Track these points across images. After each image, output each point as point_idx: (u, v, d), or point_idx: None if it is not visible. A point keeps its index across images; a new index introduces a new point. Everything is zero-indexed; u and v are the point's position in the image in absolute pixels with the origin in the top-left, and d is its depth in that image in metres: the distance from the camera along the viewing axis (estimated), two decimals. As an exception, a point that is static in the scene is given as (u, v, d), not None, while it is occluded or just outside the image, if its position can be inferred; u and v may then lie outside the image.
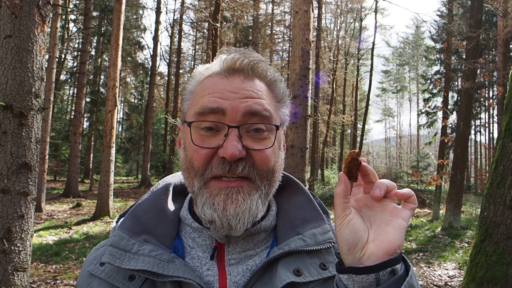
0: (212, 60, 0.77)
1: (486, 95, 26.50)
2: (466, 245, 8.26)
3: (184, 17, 28.01)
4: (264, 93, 0.71)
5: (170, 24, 27.59)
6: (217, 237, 0.70)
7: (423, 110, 24.96)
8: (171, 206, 0.79)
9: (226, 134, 0.65)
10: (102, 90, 24.67)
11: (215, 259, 0.71)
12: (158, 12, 23.11)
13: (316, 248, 0.69)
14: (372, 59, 21.33)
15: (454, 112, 18.34)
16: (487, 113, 30.86)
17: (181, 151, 0.73)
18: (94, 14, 22.96)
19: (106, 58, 25.04)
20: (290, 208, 0.76)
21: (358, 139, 23.13)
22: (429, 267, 6.65)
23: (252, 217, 0.66)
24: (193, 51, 37.36)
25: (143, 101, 28.06)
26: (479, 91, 20.71)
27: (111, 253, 0.69)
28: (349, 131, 30.39)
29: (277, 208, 0.78)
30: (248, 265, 0.70)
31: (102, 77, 25.57)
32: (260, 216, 0.68)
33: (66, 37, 24.07)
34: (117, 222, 0.77)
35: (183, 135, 0.73)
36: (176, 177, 0.83)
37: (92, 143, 27.01)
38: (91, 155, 26.36)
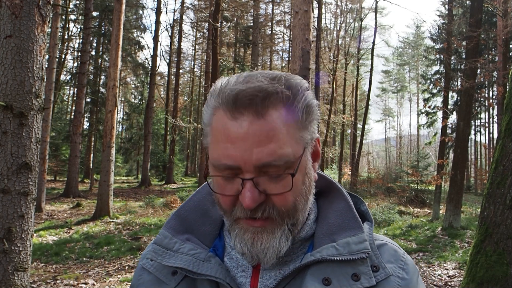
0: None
1: (486, 95, 26.50)
2: (466, 245, 8.26)
3: (184, 17, 28.01)
4: (278, 131, 0.63)
5: (170, 24, 27.60)
6: None
7: (423, 110, 24.97)
8: (215, 205, 0.81)
9: (242, 183, 0.65)
10: (102, 90, 24.67)
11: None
12: (158, 12, 23.12)
13: (348, 258, 0.67)
14: (372, 59, 21.33)
15: (454, 112, 18.35)
16: (487, 113, 30.87)
17: (212, 181, 0.73)
18: (94, 14, 22.96)
19: (106, 58, 25.05)
20: (329, 214, 0.76)
21: (358, 139, 23.14)
22: (429, 267, 6.66)
23: (275, 253, 0.67)
24: (193, 51, 37.38)
25: (143, 101, 28.05)
26: (479, 91, 20.71)
27: (154, 251, 0.75)
28: (349, 131, 30.39)
29: (317, 214, 0.78)
30: (282, 270, 0.71)
31: (102, 77, 25.59)
32: (284, 252, 0.69)
33: (66, 37, 24.08)
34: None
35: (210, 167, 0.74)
36: None
37: (92, 143, 27.01)
38: (91, 155, 26.37)
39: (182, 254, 0.72)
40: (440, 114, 17.75)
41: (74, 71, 25.76)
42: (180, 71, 32.70)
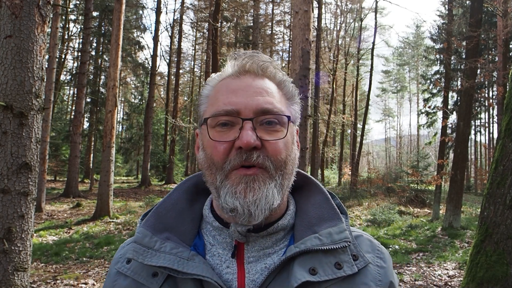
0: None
1: (486, 95, 26.49)
2: (466, 245, 8.26)
3: (184, 17, 28.00)
4: (274, 92, 0.74)
5: (170, 24, 27.59)
6: (236, 236, 0.72)
7: (423, 110, 24.96)
8: (193, 204, 0.82)
9: (241, 127, 0.69)
10: (102, 90, 24.66)
11: (235, 256, 0.73)
12: (158, 12, 23.11)
13: (332, 247, 0.70)
14: (372, 59, 21.32)
15: (454, 112, 18.34)
16: (487, 113, 30.85)
17: (200, 152, 0.76)
18: (94, 14, 22.96)
19: (106, 58, 25.04)
20: (307, 207, 0.78)
21: (358, 139, 23.13)
22: (429, 267, 6.65)
23: (268, 204, 0.68)
24: (193, 51, 37.37)
25: (143, 101, 28.04)
26: (479, 91, 20.70)
27: (135, 249, 0.72)
28: (349, 131, 30.39)
29: (296, 207, 0.80)
30: (267, 263, 0.72)
31: (102, 77, 25.57)
32: (276, 204, 0.70)
33: (66, 37, 24.07)
34: (141, 220, 0.79)
35: (201, 137, 0.77)
36: (199, 176, 0.85)
37: (92, 143, 27.01)
38: (91, 155, 26.36)
39: (164, 253, 0.71)
40: (440, 114, 17.76)
41: (74, 71, 25.75)
42: (180, 71, 32.69)
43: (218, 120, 0.71)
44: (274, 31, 29.50)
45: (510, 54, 17.39)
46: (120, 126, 33.54)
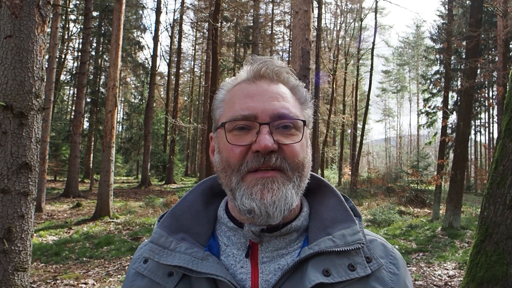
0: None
1: (486, 95, 26.48)
2: (466, 245, 8.26)
3: (184, 17, 28.00)
4: (288, 96, 0.77)
5: (170, 24, 27.60)
6: (250, 236, 0.73)
7: (423, 110, 24.96)
8: (208, 206, 0.84)
9: (258, 131, 0.71)
10: (102, 90, 24.65)
11: (249, 256, 0.74)
12: (158, 12, 23.12)
13: (345, 248, 0.71)
14: (372, 59, 21.32)
15: (454, 112, 18.34)
16: (487, 113, 30.85)
17: (216, 155, 0.78)
18: (94, 14, 22.94)
19: (106, 58, 25.03)
20: (321, 209, 0.79)
21: (358, 139, 23.13)
22: (429, 267, 6.65)
23: (288, 205, 0.70)
24: (193, 51, 37.38)
25: (143, 101, 28.03)
26: (479, 91, 20.71)
27: (151, 249, 0.75)
28: (349, 131, 30.39)
29: (309, 210, 0.81)
30: (280, 264, 0.73)
31: (102, 77, 25.57)
32: (294, 205, 0.71)
33: (66, 37, 24.07)
34: (158, 221, 0.82)
35: (216, 140, 0.79)
36: (214, 179, 0.87)
37: (92, 143, 27.00)
38: (91, 155, 26.36)
39: (180, 253, 0.73)
40: (440, 114, 17.76)
41: (74, 71, 25.75)
42: (180, 71, 32.69)
43: (236, 124, 0.72)
44: (274, 31, 29.50)
45: (510, 54, 17.39)
46: (120, 126, 33.55)
